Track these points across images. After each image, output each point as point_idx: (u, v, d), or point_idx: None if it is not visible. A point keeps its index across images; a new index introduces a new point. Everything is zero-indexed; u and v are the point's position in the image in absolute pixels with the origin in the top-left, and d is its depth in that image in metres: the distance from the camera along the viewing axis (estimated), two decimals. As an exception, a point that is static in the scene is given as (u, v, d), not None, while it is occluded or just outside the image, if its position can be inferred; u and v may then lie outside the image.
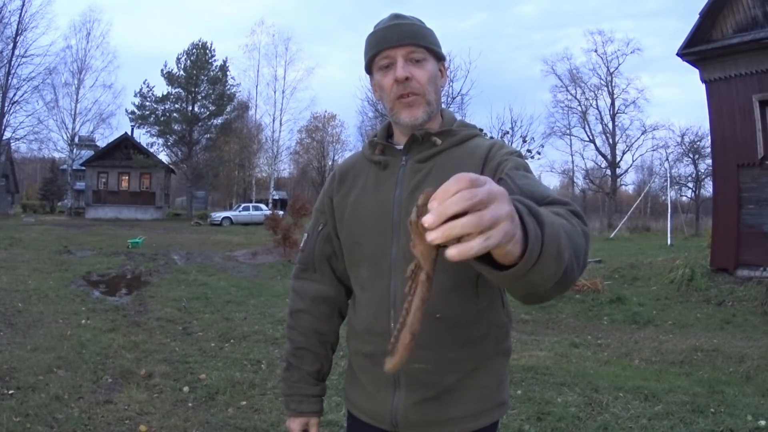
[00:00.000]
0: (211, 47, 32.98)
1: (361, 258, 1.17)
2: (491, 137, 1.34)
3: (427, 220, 0.56)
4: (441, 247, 0.59)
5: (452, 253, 0.57)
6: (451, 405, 1.12)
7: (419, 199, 0.60)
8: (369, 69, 1.19)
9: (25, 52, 27.72)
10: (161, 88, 37.15)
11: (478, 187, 0.56)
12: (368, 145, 1.23)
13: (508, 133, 17.82)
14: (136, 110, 31.85)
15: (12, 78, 27.44)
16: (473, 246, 0.56)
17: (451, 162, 1.12)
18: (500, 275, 0.68)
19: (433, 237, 0.56)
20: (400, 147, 1.17)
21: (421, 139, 1.14)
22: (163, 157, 34.70)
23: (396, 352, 0.66)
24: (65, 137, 31.88)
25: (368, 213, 1.15)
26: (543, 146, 28.68)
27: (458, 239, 0.56)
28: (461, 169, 1.06)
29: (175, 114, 32.32)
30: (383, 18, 1.18)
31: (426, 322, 1.05)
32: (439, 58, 1.18)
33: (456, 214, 0.55)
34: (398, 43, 1.11)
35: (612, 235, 22.65)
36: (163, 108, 32.12)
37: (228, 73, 33.44)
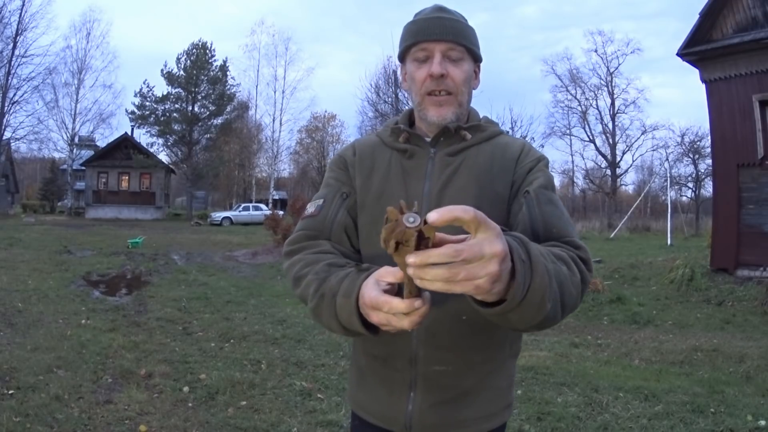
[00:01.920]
0: (211, 47, 33.00)
1: (380, 250, 1.10)
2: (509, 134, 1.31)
3: (410, 259, 0.62)
4: None
5: (417, 283, 0.66)
6: (467, 406, 1.11)
7: (389, 219, 0.63)
8: (402, 57, 1.15)
9: (25, 52, 27.80)
10: (161, 88, 37.21)
11: (470, 239, 0.63)
12: (390, 131, 1.18)
13: (507, 133, 17.83)
14: (136, 110, 31.84)
15: (12, 78, 27.51)
16: (436, 285, 0.64)
17: (482, 157, 1.11)
18: (482, 310, 0.76)
19: (411, 273, 0.64)
20: (428, 138, 1.14)
21: (452, 132, 1.11)
22: (163, 157, 34.74)
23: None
24: (65, 137, 31.93)
25: (396, 204, 1.12)
26: (543, 146, 28.71)
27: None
28: (493, 166, 1.10)
29: (175, 114, 32.31)
30: (425, 8, 1.14)
31: (451, 324, 1.06)
32: (477, 59, 1.15)
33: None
34: (439, 37, 1.08)
35: (612, 235, 22.64)
36: (163, 108, 32.11)
37: (228, 73, 33.47)
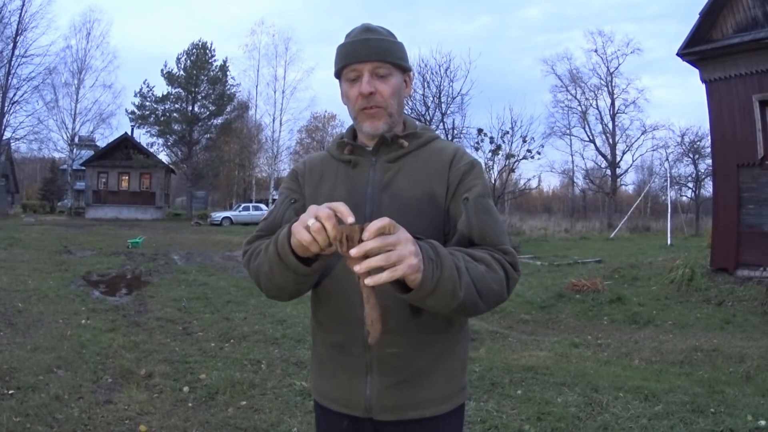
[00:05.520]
0: (211, 47, 32.97)
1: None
2: (448, 139, 1.46)
3: (353, 251, 0.85)
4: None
5: (368, 281, 0.87)
6: (423, 387, 1.20)
7: (342, 230, 0.87)
8: (338, 76, 1.26)
9: (25, 52, 27.81)
10: (161, 88, 37.12)
11: (391, 234, 0.88)
12: (336, 145, 1.30)
13: (508, 133, 17.79)
14: (136, 110, 31.82)
15: (12, 78, 27.52)
16: (383, 276, 0.87)
17: (419, 162, 1.24)
18: (402, 296, 0.95)
19: (358, 269, 0.87)
20: (369, 148, 1.25)
21: (390, 141, 1.23)
22: (163, 157, 34.73)
23: (373, 330, 0.95)
24: (65, 137, 31.94)
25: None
26: (543, 146, 28.71)
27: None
28: (429, 169, 1.25)
29: (175, 114, 32.28)
30: (355, 27, 1.24)
31: (397, 309, 1.16)
32: (405, 69, 1.25)
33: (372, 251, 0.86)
34: (366, 58, 1.18)
35: (612, 235, 22.66)
36: (163, 108, 32.09)
37: (228, 73, 33.44)
